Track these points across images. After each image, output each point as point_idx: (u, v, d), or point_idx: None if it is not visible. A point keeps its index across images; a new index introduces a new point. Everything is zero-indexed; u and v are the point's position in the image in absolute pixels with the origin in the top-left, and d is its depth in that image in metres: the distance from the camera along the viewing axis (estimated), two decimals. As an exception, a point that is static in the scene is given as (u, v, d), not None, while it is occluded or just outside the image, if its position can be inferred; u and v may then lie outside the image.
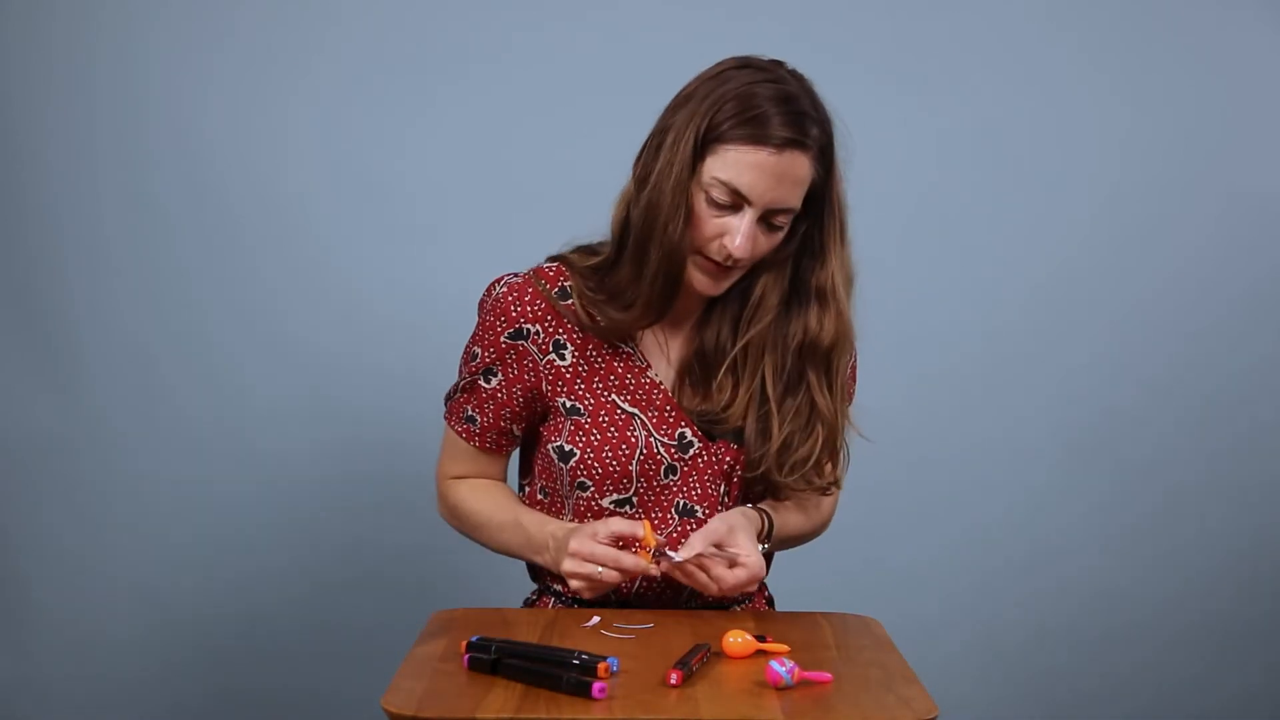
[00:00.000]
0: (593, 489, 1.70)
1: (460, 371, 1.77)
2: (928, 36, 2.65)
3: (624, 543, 1.58)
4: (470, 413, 1.75)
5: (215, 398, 2.61)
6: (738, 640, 1.43)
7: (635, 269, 1.64)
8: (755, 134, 1.56)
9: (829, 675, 1.36)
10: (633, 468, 1.68)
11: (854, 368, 1.82)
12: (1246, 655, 2.71)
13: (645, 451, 1.68)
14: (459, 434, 1.77)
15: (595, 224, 1.73)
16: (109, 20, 2.57)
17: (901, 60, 2.65)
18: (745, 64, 1.62)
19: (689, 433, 1.70)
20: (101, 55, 2.57)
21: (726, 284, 1.67)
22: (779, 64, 1.63)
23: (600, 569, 1.56)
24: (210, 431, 2.62)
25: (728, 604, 1.73)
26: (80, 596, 2.62)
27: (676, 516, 1.70)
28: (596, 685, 1.29)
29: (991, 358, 2.68)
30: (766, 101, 1.57)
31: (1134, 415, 2.70)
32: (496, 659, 1.37)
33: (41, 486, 2.62)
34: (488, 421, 1.74)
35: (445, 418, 1.79)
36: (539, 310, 1.69)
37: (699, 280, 1.65)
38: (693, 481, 1.70)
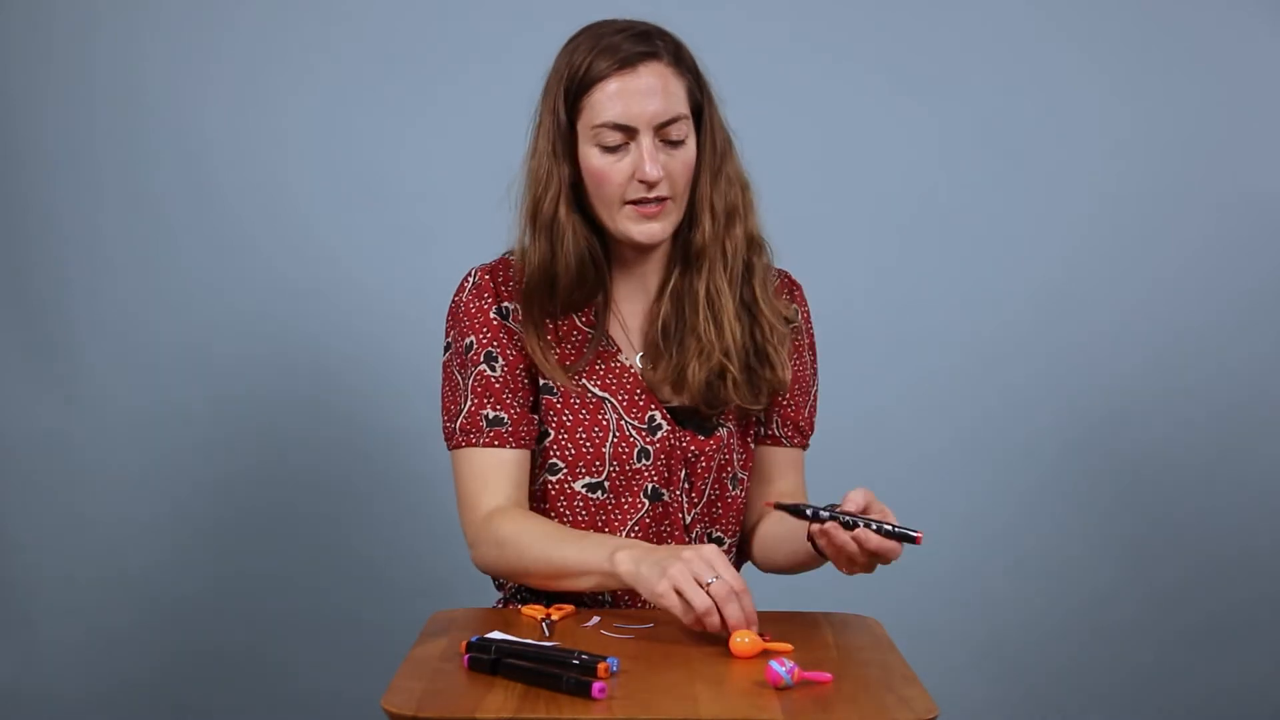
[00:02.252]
0: (565, 471, 1.68)
1: (454, 389, 1.69)
2: (928, 37, 2.65)
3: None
4: (494, 414, 1.66)
5: (215, 398, 2.61)
6: (745, 640, 1.43)
7: (535, 252, 1.67)
8: (608, 65, 1.61)
9: (829, 675, 1.36)
10: (606, 450, 1.68)
11: (781, 281, 1.79)
12: (1248, 654, 2.71)
13: (618, 434, 1.68)
14: (488, 444, 1.65)
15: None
16: (109, 20, 2.58)
17: (902, 60, 2.65)
18: (585, 27, 1.68)
19: (658, 415, 1.70)
20: (101, 55, 2.57)
21: (665, 223, 1.66)
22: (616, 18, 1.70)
23: (715, 578, 1.43)
24: (210, 431, 2.62)
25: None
26: (80, 596, 2.62)
27: (646, 501, 1.70)
28: (596, 685, 1.29)
29: (991, 358, 2.68)
30: (607, 36, 1.64)
31: (1134, 415, 2.70)
32: (496, 659, 1.37)
33: (41, 486, 2.62)
34: (515, 414, 1.66)
35: (458, 447, 1.67)
36: (513, 290, 1.71)
37: (639, 230, 1.65)
38: (660, 465, 1.70)
